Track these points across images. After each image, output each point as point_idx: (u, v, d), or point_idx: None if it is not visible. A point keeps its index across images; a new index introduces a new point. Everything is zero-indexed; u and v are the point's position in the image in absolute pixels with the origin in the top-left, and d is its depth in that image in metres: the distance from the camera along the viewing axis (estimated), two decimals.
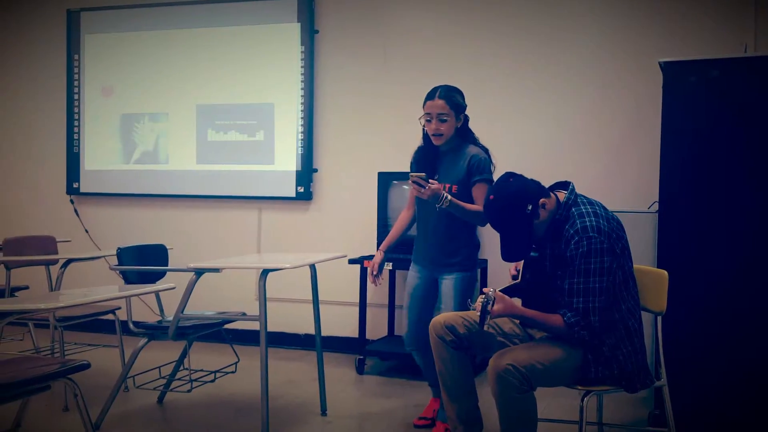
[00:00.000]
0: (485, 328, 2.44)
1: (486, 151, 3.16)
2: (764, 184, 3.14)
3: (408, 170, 3.28)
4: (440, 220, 3.11)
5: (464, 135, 3.16)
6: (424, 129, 3.17)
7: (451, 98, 3.07)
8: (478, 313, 2.20)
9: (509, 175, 2.51)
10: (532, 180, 2.52)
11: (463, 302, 3.11)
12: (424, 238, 3.23)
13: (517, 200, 2.43)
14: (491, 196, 2.48)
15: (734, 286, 3.17)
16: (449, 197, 2.93)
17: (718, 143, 3.21)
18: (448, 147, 3.16)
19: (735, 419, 3.17)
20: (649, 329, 2.74)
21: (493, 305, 2.25)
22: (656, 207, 3.46)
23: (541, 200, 2.45)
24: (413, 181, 2.90)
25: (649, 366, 2.59)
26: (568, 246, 2.40)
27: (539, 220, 2.46)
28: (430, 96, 3.09)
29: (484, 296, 2.22)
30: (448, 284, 3.14)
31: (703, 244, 3.22)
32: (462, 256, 3.14)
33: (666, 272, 2.66)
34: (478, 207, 3.03)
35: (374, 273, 3.29)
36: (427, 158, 3.18)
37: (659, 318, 2.67)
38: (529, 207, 2.42)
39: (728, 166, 3.19)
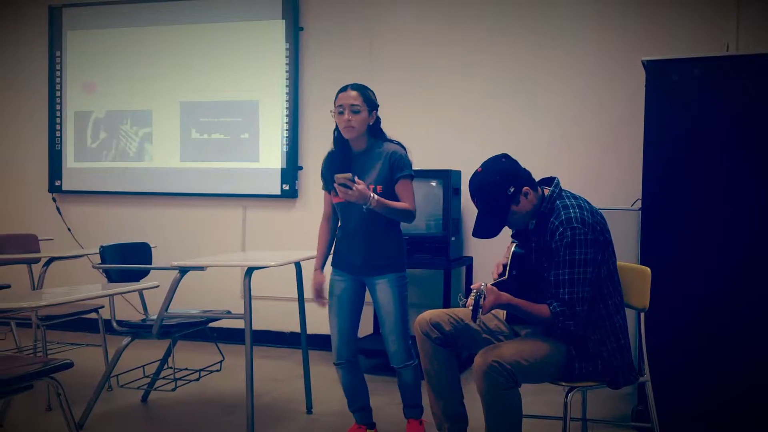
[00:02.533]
0: (476, 322, 2.44)
1: (402, 147, 3.07)
2: (746, 182, 3.18)
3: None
4: (365, 222, 2.97)
5: (376, 134, 3.07)
6: (335, 132, 3.08)
7: (363, 91, 3.02)
8: (470, 308, 2.21)
9: (503, 156, 2.54)
10: (524, 169, 2.53)
11: (403, 303, 3.02)
12: (348, 243, 3.07)
13: (501, 179, 2.45)
14: (479, 169, 2.52)
15: (717, 282, 3.21)
16: (376, 197, 2.84)
17: (701, 141, 3.24)
18: (361, 148, 3.05)
19: (717, 414, 3.20)
20: (633, 326, 2.76)
21: (484, 299, 2.26)
22: (639, 204, 3.49)
23: (525, 188, 2.47)
24: (339, 184, 2.77)
25: (633, 362, 2.62)
26: (553, 238, 2.42)
27: (518, 207, 2.47)
28: (342, 89, 3.04)
29: (476, 291, 2.23)
30: (383, 287, 3.00)
31: (686, 241, 3.25)
32: (392, 257, 3.03)
33: (649, 269, 2.68)
34: (404, 204, 2.96)
35: (318, 296, 3.15)
36: (340, 162, 3.05)
37: (642, 314, 2.69)
38: (511, 189, 2.44)
39: (710, 164, 3.22)
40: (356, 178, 2.79)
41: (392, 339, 3.01)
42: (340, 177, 2.78)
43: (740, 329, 3.17)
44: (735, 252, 3.19)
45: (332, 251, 3.18)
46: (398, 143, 3.08)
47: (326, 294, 3.15)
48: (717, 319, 3.20)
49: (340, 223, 3.14)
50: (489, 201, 2.47)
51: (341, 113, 2.98)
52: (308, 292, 3.34)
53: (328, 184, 3.09)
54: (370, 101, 3.02)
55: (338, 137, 3.09)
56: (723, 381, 3.19)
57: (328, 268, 3.18)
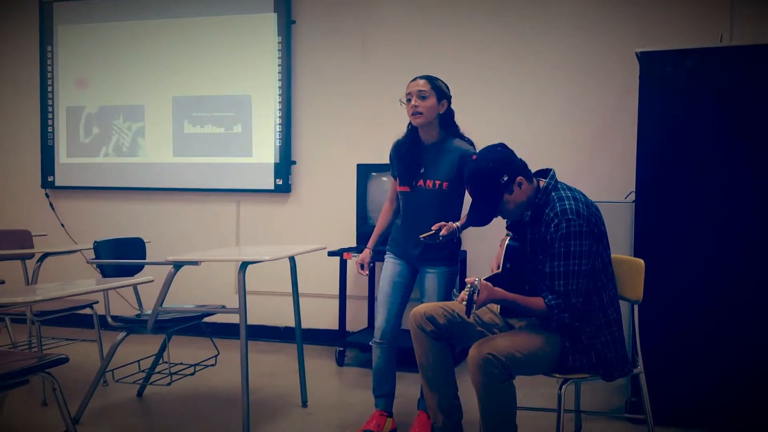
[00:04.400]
0: (470, 318, 2.46)
1: (472, 145, 3.09)
2: (739, 173, 3.19)
3: (387, 163, 3.26)
4: (432, 214, 3.00)
5: (448, 127, 3.07)
6: (409, 123, 3.09)
7: (432, 80, 3.03)
8: (464, 303, 2.22)
9: (499, 144, 2.55)
10: (520, 159, 2.54)
11: (447, 297, 3.07)
12: (406, 233, 3.13)
13: (495, 167, 2.47)
14: (474, 156, 2.55)
15: (710, 274, 3.22)
16: (458, 225, 2.91)
17: (695, 133, 3.25)
18: (432, 140, 3.06)
19: (711, 406, 3.22)
20: (626, 317, 2.77)
21: (478, 294, 2.26)
22: (633, 197, 3.50)
23: (519, 178, 2.48)
24: (427, 240, 2.88)
25: (627, 354, 2.63)
26: (548, 229, 2.43)
27: (511, 197, 2.48)
28: (412, 79, 3.06)
29: (469, 286, 2.23)
30: (432, 278, 3.07)
31: (680, 233, 3.26)
32: (448, 251, 3.08)
33: (642, 261, 2.69)
34: None
35: (361, 267, 3.25)
36: (410, 153, 3.09)
37: (636, 306, 2.70)
38: (504, 178, 2.45)
39: (704, 156, 3.23)
40: (441, 228, 2.86)
41: None
42: (424, 237, 2.87)
43: (734, 321, 3.19)
44: (729, 244, 3.20)
45: (390, 237, 3.26)
46: (468, 140, 3.08)
47: (367, 267, 3.24)
48: (711, 311, 3.22)
49: (401, 212, 3.20)
50: (482, 188, 2.49)
51: (409, 101, 3.01)
52: (303, 283, 3.34)
53: (394, 170, 3.18)
54: (439, 89, 3.03)
55: (411, 128, 3.10)
56: (716, 372, 3.21)
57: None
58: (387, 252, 3.23)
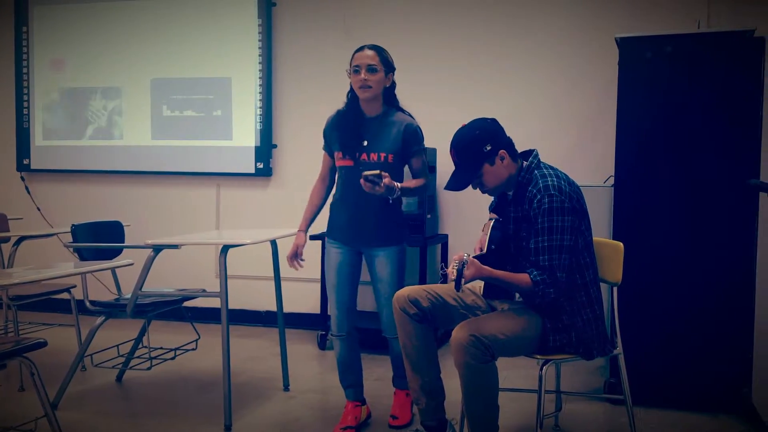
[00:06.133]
0: (459, 291, 2.46)
1: (413, 119, 3.02)
2: (717, 158, 3.22)
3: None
4: (368, 193, 2.81)
5: (390, 100, 3.01)
6: (348, 94, 3.01)
7: (381, 52, 2.95)
8: (453, 279, 2.23)
9: (491, 119, 2.58)
10: (508, 137, 2.57)
11: (401, 275, 3.00)
12: (346, 213, 3.01)
13: (480, 134, 2.50)
14: (464, 123, 2.57)
15: (688, 257, 3.26)
16: (399, 186, 2.81)
17: (673, 117, 3.28)
18: (375, 113, 2.98)
19: (688, 386, 3.27)
20: (606, 300, 2.80)
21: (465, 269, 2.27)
22: (612, 181, 3.52)
23: (502, 152, 2.50)
24: (367, 180, 2.73)
25: (607, 334, 2.66)
26: (531, 205, 2.46)
27: (492, 168, 2.50)
28: (359, 49, 2.96)
29: (459, 261, 2.24)
30: (383, 260, 2.98)
31: (658, 216, 3.30)
32: (393, 229, 3.01)
33: (622, 244, 2.71)
34: (419, 181, 3.00)
35: (293, 257, 3.11)
36: (352, 125, 2.98)
37: (615, 289, 2.73)
38: (488, 147, 2.49)
39: (682, 140, 3.26)
40: (384, 173, 2.74)
41: (387, 311, 2.98)
42: (368, 174, 2.73)
43: (711, 303, 3.24)
44: (706, 227, 3.24)
45: (329, 221, 3.10)
46: (410, 115, 3.02)
47: (302, 257, 3.13)
48: (688, 293, 3.26)
49: (337, 189, 3.07)
50: (464, 153, 2.52)
51: (357, 72, 2.91)
52: (285, 267, 3.32)
53: (330, 145, 3.07)
54: (387, 62, 2.95)
55: (351, 99, 3.01)
56: (694, 353, 3.26)
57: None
58: (327, 240, 3.10)
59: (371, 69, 2.90)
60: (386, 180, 2.74)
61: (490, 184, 2.55)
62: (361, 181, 2.75)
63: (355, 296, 3.08)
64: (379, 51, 2.95)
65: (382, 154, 2.93)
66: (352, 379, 3.15)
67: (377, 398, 3.42)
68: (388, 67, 2.96)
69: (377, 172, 2.73)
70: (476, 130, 2.52)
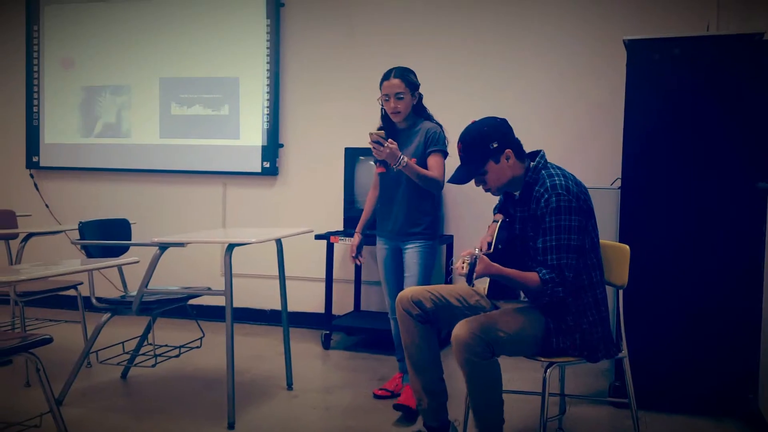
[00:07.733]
0: (472, 286, 2.47)
1: (440, 126, 3.31)
2: (724, 161, 3.21)
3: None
4: (403, 191, 3.25)
5: (419, 112, 3.33)
6: (382, 109, 3.33)
7: (405, 77, 3.25)
8: (461, 274, 2.23)
9: (502, 119, 2.61)
10: (517, 138, 2.59)
11: (427, 271, 3.24)
12: (387, 211, 3.35)
13: (488, 131, 2.53)
14: (474, 120, 2.61)
15: (694, 260, 3.25)
16: (405, 158, 3.07)
17: (681, 120, 3.26)
18: (405, 125, 3.31)
19: (694, 390, 3.26)
20: (611, 303, 2.79)
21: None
22: (619, 183, 3.51)
23: (508, 151, 2.52)
24: (373, 140, 3.02)
25: (613, 336, 2.64)
26: (538, 204, 2.45)
27: (497, 167, 2.52)
28: (386, 77, 3.26)
29: (470, 256, 2.25)
30: (411, 254, 3.26)
31: (664, 219, 3.28)
32: (424, 225, 3.26)
33: (628, 247, 2.70)
34: (432, 173, 3.19)
35: (353, 255, 3.44)
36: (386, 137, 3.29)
37: (621, 291, 2.72)
38: (494, 144, 2.51)
39: (690, 143, 3.25)
40: (388, 139, 3.03)
41: None
42: (374, 134, 3.03)
43: (717, 306, 3.22)
44: (713, 230, 3.22)
45: (376, 221, 3.44)
46: (437, 122, 3.33)
47: (359, 254, 3.44)
48: (694, 297, 3.25)
49: (380, 193, 3.41)
50: (470, 147, 2.54)
51: (387, 100, 3.26)
52: (290, 266, 3.34)
53: (376, 158, 3.30)
54: (412, 84, 3.27)
55: (385, 116, 3.34)
56: (699, 358, 3.24)
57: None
58: (377, 238, 3.44)
59: (399, 97, 3.24)
60: (391, 146, 3.02)
61: (493, 182, 2.55)
62: (369, 141, 3.04)
63: (401, 284, 3.30)
64: (405, 76, 3.26)
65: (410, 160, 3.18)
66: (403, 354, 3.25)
67: (381, 398, 3.41)
68: (413, 87, 3.29)
69: (382, 133, 3.06)
70: (485, 127, 2.55)
